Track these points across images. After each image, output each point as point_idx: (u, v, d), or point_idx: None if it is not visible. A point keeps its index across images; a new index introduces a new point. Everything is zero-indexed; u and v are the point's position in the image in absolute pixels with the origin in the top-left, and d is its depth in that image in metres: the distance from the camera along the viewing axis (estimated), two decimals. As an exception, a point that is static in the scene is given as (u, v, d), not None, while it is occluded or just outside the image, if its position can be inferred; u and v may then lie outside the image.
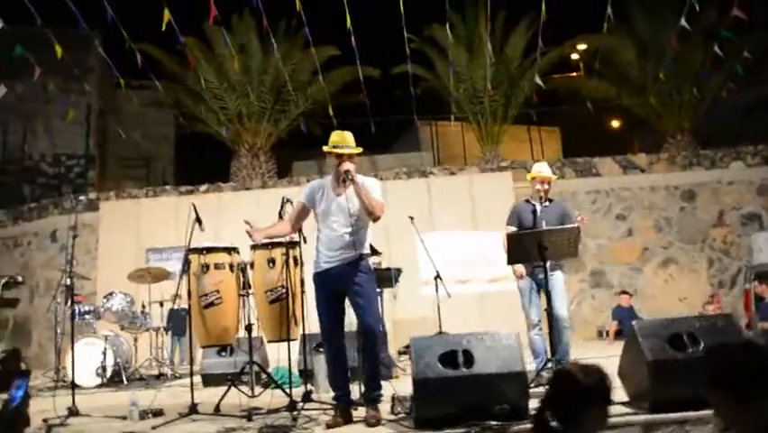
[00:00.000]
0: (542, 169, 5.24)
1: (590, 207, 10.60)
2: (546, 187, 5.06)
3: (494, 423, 3.40)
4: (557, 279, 5.03)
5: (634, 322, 4.41)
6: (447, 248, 9.33)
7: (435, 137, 15.27)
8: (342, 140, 4.08)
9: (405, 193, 9.87)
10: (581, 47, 13.40)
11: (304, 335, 4.69)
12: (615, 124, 17.96)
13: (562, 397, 1.97)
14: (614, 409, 3.78)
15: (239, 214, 9.79)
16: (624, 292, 9.70)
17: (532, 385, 4.20)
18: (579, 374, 2.00)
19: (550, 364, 4.53)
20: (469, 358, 3.63)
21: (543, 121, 15.36)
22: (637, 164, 10.88)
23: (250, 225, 4.05)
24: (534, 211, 5.08)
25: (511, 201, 9.14)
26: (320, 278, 4.04)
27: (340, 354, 4.03)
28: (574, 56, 14.05)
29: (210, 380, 5.91)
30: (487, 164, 11.34)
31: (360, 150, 4.11)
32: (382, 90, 11.41)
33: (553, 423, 1.90)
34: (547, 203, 5.05)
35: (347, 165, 3.95)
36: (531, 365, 5.04)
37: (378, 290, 6.72)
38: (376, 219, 3.94)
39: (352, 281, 3.93)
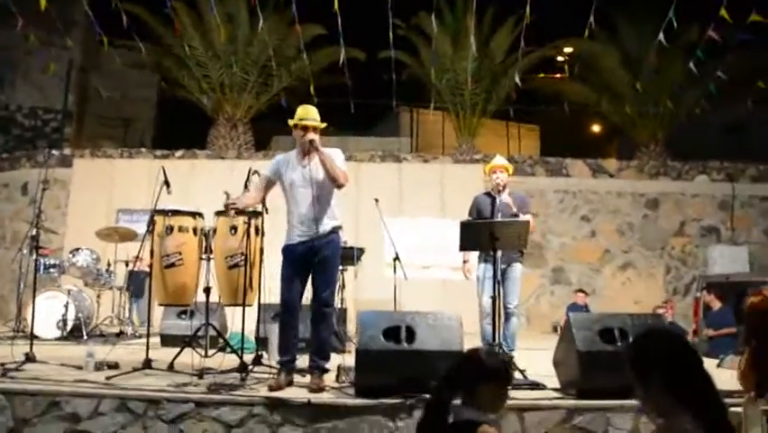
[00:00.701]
0: (498, 160, 5.47)
1: (557, 205, 10.91)
2: (503, 177, 5.27)
3: (429, 396, 3.63)
4: (514, 269, 5.27)
5: (570, 314, 4.69)
6: (413, 233, 9.58)
7: (416, 124, 15.45)
8: (307, 113, 4.28)
9: (377, 176, 10.09)
10: (567, 50, 13.65)
11: (260, 304, 4.86)
12: (595, 128, 18.27)
13: (463, 373, 2.15)
14: (543, 394, 4.06)
15: (211, 182, 10.07)
16: (580, 291, 10.03)
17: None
18: (484, 356, 2.19)
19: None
20: (411, 334, 3.86)
21: (523, 118, 15.62)
22: (607, 169, 11.21)
23: (228, 195, 4.23)
24: (493, 203, 5.29)
25: (482, 189, 9.43)
26: (289, 251, 4.24)
27: (292, 322, 4.21)
28: (560, 58, 14.31)
29: (168, 340, 6.06)
30: (462, 155, 11.57)
31: (324, 125, 4.30)
32: (366, 73, 11.52)
33: (448, 397, 2.07)
34: (506, 195, 5.25)
35: (311, 135, 4.13)
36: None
37: (340, 267, 7.03)
38: (339, 186, 4.13)
39: (319, 256, 4.13)
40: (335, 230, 4.18)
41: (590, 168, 11.18)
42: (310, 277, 4.22)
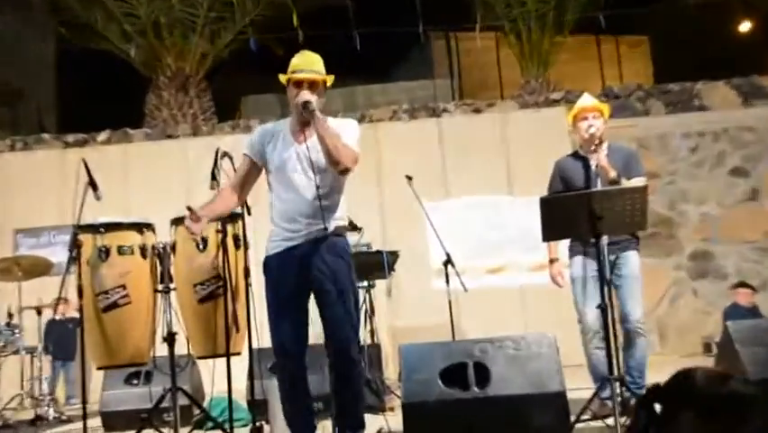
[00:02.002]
0: (585, 100, 5.46)
1: (689, 156, 10.81)
2: (597, 124, 5.25)
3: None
4: (629, 262, 5.26)
5: (730, 323, 4.68)
6: (468, 222, 9.59)
7: (456, 57, 15.40)
8: (305, 62, 4.26)
9: (406, 141, 10.10)
10: None
11: (251, 349, 4.92)
12: (742, 28, 17.44)
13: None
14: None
15: (157, 174, 10.22)
16: (743, 285, 9.92)
17: (581, 416, 4.47)
18: (701, 379, 2.23)
19: (607, 391, 4.72)
20: (483, 374, 3.92)
21: (622, 29, 15.44)
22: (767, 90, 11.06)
23: (192, 211, 4.03)
24: (587, 166, 5.26)
25: (568, 148, 9.39)
26: (274, 263, 4.20)
27: (298, 379, 4.21)
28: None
29: (114, 421, 6.13)
30: (530, 96, 11.52)
31: (330, 77, 4.30)
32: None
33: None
34: (605, 151, 5.23)
35: (306, 95, 4.14)
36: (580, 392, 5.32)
37: (360, 283, 7.09)
38: (342, 172, 4.13)
39: (319, 269, 4.13)
40: (338, 231, 4.21)
41: (740, 92, 11.06)
42: (314, 302, 4.25)
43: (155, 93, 12.63)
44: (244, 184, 4.36)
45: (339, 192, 4.29)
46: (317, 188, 4.11)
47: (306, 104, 4.09)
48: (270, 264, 4.21)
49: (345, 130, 4.23)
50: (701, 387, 2.23)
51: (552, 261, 5.49)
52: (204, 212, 4.08)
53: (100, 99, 13.78)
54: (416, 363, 3.97)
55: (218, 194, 4.38)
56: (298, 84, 4.20)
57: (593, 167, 5.13)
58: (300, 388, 4.22)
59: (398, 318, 9.15)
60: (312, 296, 4.21)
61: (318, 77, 4.24)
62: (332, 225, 4.16)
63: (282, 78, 4.29)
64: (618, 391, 4.57)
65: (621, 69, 16.10)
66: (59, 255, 8.53)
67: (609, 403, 4.65)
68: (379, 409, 6.03)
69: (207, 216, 4.12)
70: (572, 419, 4.26)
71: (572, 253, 5.37)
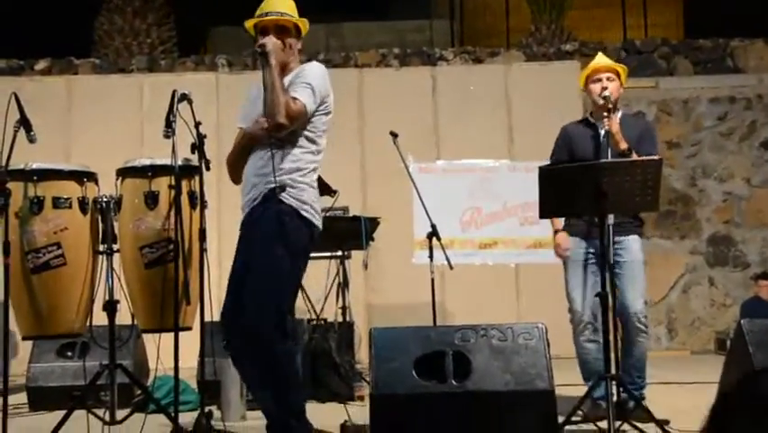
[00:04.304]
0: (599, 60, 5.47)
1: (717, 124, 10.83)
2: (612, 87, 5.27)
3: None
4: (631, 247, 5.32)
5: (743, 321, 4.75)
6: (460, 189, 9.62)
7: (457, -3, 15.34)
8: (269, 4, 4.37)
9: (394, 91, 10.08)
10: None
11: (204, 325, 4.94)
12: None
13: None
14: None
15: (104, 114, 10.14)
16: (764, 276, 10.01)
17: (571, 418, 4.54)
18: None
19: (601, 390, 4.77)
20: (463, 365, 3.96)
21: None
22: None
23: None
24: (597, 135, 5.30)
25: (578, 109, 9.43)
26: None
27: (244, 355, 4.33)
28: None
29: (42, 398, 6.13)
30: (540, 46, 11.51)
31: (300, 20, 4.38)
32: None
33: None
34: (618, 118, 5.26)
35: (264, 39, 4.23)
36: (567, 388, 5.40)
37: (334, 252, 7.14)
38: (276, 127, 4.16)
39: (249, 236, 4.29)
40: (277, 191, 4.21)
41: (776, 53, 11.08)
42: None
43: (106, 17, 12.46)
44: (242, 158, 4.47)
45: (295, 145, 4.30)
46: (271, 140, 4.20)
47: (261, 47, 4.21)
48: None
49: (300, 76, 4.28)
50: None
51: (557, 231, 5.50)
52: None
53: (40, 20, 13.50)
54: (388, 350, 4.00)
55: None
56: (264, 30, 4.31)
57: (603, 136, 5.19)
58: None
59: (375, 295, 9.22)
60: None
61: (285, 19, 4.33)
62: (277, 182, 4.20)
63: (247, 24, 4.41)
64: (614, 391, 4.66)
65: (647, 19, 16.03)
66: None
67: (603, 404, 4.70)
68: (346, 397, 6.11)
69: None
70: (561, 420, 4.35)
71: (570, 232, 5.41)
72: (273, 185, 4.15)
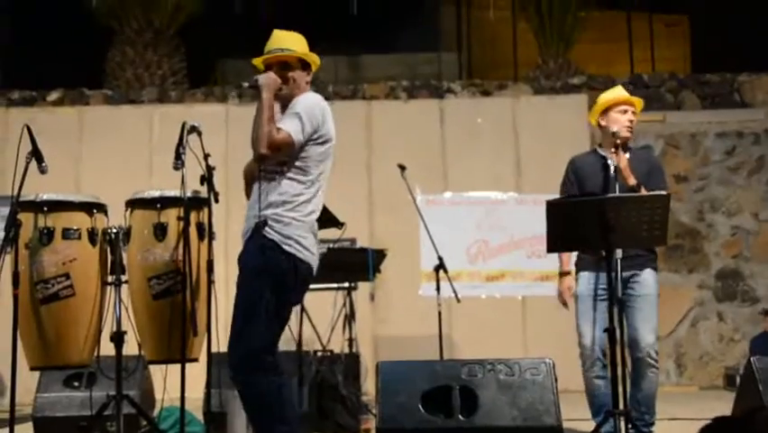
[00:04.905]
0: (621, 92, 5.51)
1: (725, 159, 10.83)
2: (633, 120, 5.35)
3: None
4: (645, 281, 5.31)
5: (753, 359, 4.73)
6: (467, 221, 9.63)
7: (467, 28, 15.38)
8: (272, 42, 4.48)
9: (402, 123, 10.13)
10: None
11: (210, 354, 4.96)
12: None
13: None
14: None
15: (115, 145, 10.18)
16: (772, 312, 10.00)
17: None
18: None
19: (609, 426, 4.73)
20: (470, 400, 3.97)
21: (657, 4, 15.41)
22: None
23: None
24: (606, 166, 5.30)
25: (586, 142, 9.45)
26: None
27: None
28: None
29: (49, 428, 6.11)
30: (548, 80, 11.54)
31: (309, 55, 4.46)
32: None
33: None
34: (625, 154, 5.28)
35: (258, 76, 4.32)
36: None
37: (341, 284, 7.14)
38: (258, 158, 4.23)
39: (240, 270, 4.32)
40: (266, 221, 4.23)
41: (787, 89, 11.09)
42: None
43: (118, 48, 12.50)
44: None
45: (285, 177, 4.30)
46: (263, 171, 4.26)
47: (252, 82, 4.30)
48: None
49: (291, 107, 4.32)
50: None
51: (563, 274, 5.53)
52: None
53: (54, 51, 13.59)
54: (395, 384, 4.01)
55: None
56: (268, 67, 4.41)
57: (612, 168, 5.20)
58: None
59: (382, 326, 9.19)
60: None
61: (286, 55, 4.42)
62: (265, 211, 4.24)
63: (255, 62, 4.51)
64: (623, 427, 4.65)
65: (653, 53, 16.07)
66: (-7, 234, 8.59)
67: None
68: (353, 430, 6.10)
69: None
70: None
71: (580, 267, 5.41)
72: (257, 220, 4.21)
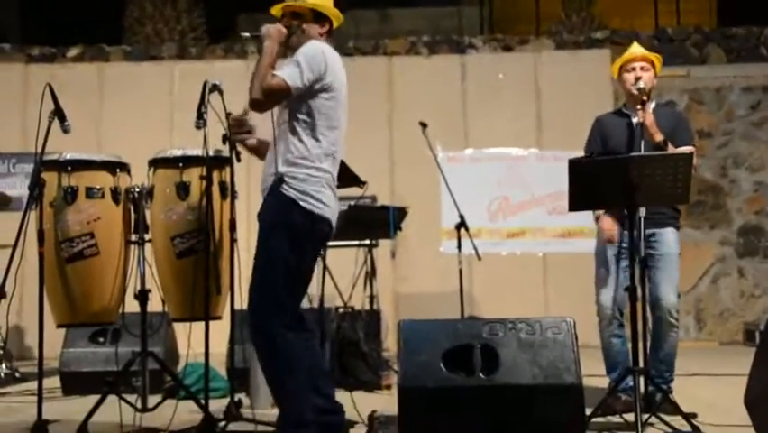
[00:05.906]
0: (634, 49, 5.45)
1: (750, 113, 10.74)
2: (647, 77, 5.25)
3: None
4: (666, 240, 5.30)
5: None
6: (489, 178, 9.63)
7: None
8: None
9: (423, 79, 10.10)
10: None
11: (233, 311, 5.01)
12: None
13: None
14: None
15: (136, 102, 10.19)
16: (795, 269, 9.99)
17: (598, 411, 4.57)
18: None
19: (628, 382, 4.77)
20: (491, 358, 3.99)
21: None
22: None
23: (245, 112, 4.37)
24: (631, 124, 5.29)
25: (609, 99, 9.41)
26: None
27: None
28: None
29: (75, 383, 6.23)
30: (570, 34, 11.44)
31: (310, 4, 4.38)
32: None
33: None
34: (651, 109, 5.22)
35: (268, 26, 4.28)
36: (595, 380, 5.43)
37: (362, 241, 7.17)
38: (252, 104, 4.18)
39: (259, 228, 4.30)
40: (278, 182, 4.19)
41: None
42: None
43: (137, 3, 12.52)
44: None
45: (293, 131, 4.27)
46: (276, 123, 4.28)
47: (258, 32, 4.29)
48: None
49: (298, 54, 4.23)
50: None
51: (599, 216, 5.44)
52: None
53: (73, 7, 13.57)
54: (416, 343, 4.03)
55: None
56: (282, 17, 4.41)
57: (636, 126, 5.18)
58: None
59: (403, 284, 9.25)
60: None
61: (298, 5, 4.38)
62: (272, 176, 4.23)
63: (273, 11, 4.49)
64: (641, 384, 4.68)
65: (678, 5, 15.88)
66: (18, 188, 8.67)
67: (630, 397, 4.76)
68: (374, 385, 6.16)
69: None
70: (588, 412, 4.37)
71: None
72: (274, 176, 4.20)
